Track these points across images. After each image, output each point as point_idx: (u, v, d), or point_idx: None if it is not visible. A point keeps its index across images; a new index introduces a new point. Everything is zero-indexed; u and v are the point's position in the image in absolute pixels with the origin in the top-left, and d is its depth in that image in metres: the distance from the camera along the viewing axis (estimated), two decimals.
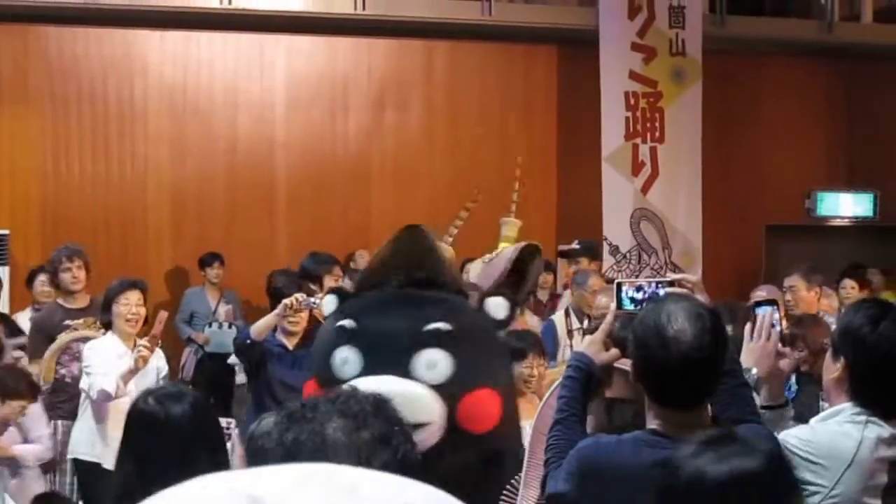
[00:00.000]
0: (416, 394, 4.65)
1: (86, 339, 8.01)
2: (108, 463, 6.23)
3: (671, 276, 4.19)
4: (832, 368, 3.87)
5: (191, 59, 13.54)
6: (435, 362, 4.73)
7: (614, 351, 3.88)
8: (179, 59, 13.51)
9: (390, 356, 4.77)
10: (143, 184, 13.23)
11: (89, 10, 12.79)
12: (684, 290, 3.90)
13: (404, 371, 4.72)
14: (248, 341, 7.80)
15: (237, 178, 13.46)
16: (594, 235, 13.64)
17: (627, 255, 13.76)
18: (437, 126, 14.17)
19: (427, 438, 4.67)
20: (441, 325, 4.80)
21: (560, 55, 14.50)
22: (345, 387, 2.33)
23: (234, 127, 13.56)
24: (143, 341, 7.37)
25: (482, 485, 4.70)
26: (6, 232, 12.31)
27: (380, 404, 2.19)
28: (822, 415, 3.97)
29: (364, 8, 13.36)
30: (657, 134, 13.88)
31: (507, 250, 7.95)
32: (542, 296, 12.80)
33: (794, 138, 15.00)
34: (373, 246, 12.81)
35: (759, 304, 4.47)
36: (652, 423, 3.49)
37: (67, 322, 8.55)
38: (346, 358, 4.81)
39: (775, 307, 4.37)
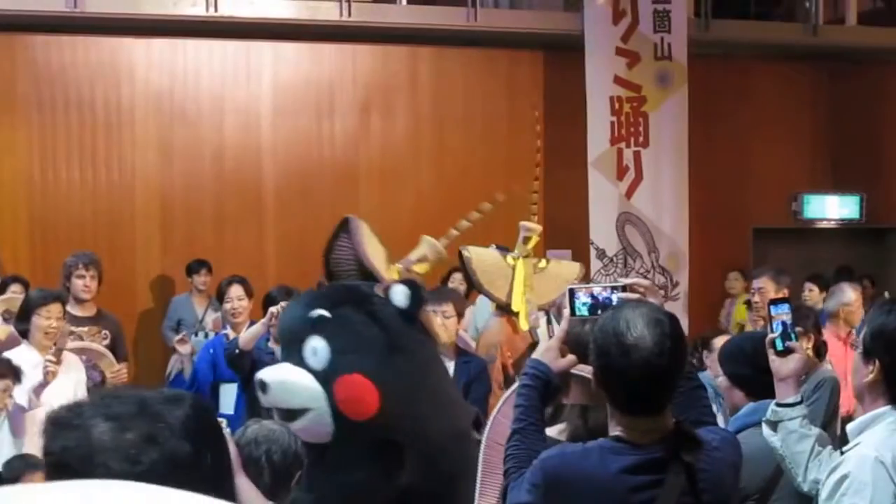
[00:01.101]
0: (290, 381, 4.81)
1: (86, 350, 7.97)
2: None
3: (623, 280, 4.14)
4: (864, 372, 3.78)
5: (177, 67, 13.53)
6: (316, 349, 4.85)
7: (571, 357, 3.85)
8: (166, 67, 13.50)
9: (290, 345, 5.05)
10: (130, 191, 13.22)
11: (75, 19, 12.75)
12: (636, 295, 3.87)
13: (298, 359, 4.84)
14: (237, 351, 7.79)
15: (224, 184, 13.46)
16: (581, 240, 13.68)
17: (614, 258, 13.79)
18: (422, 132, 14.18)
19: (310, 426, 4.76)
20: (321, 311, 4.90)
21: (545, 60, 14.52)
22: None
23: (220, 133, 13.56)
24: (49, 355, 7.33)
25: (378, 476, 4.77)
26: None
27: (143, 403, 2.24)
28: (859, 421, 3.86)
29: (349, 15, 13.38)
30: (641, 138, 13.92)
31: (570, 273, 8.08)
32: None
33: (780, 141, 15.03)
34: None
35: (773, 302, 4.51)
36: (615, 430, 3.46)
37: (73, 329, 8.52)
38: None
39: (790, 305, 4.43)
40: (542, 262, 8.63)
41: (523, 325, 8.30)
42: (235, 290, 9.18)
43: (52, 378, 7.23)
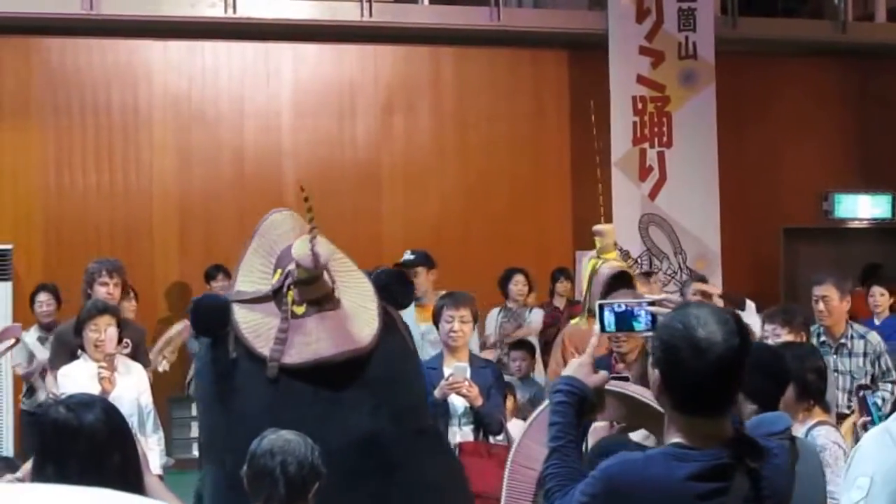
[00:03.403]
0: None
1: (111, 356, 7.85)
2: None
3: (651, 297, 4.09)
4: None
5: (195, 69, 13.41)
6: None
7: (603, 373, 3.77)
8: (184, 69, 13.39)
9: None
10: (148, 195, 13.10)
11: (91, 21, 12.66)
12: (666, 310, 3.76)
13: None
14: None
15: (244, 188, 13.32)
16: None
17: (639, 260, 13.63)
18: (445, 133, 14.04)
19: None
20: None
21: (570, 60, 14.36)
22: None
23: (240, 136, 13.44)
24: (101, 363, 7.33)
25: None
26: (9, 247, 12.11)
27: None
28: None
29: (370, 15, 13.28)
30: (665, 138, 13.80)
31: (603, 268, 7.91)
32: (559, 303, 12.66)
33: (810, 139, 14.83)
34: (385, 253, 12.69)
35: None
36: (675, 437, 3.35)
37: None
38: None
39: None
40: (611, 253, 8.46)
41: (584, 323, 8.14)
42: None
43: (109, 385, 7.19)
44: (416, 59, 14.09)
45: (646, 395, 3.75)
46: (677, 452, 3.30)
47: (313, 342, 4.92)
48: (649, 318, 3.85)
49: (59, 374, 7.75)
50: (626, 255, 13.57)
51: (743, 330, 3.34)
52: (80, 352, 7.72)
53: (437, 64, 14.13)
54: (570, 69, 14.36)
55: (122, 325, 7.81)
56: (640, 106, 13.76)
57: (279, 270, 5.16)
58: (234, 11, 12.93)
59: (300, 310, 5.00)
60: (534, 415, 4.11)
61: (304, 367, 4.89)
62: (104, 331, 7.56)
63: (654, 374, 3.38)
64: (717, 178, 13.71)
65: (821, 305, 8.55)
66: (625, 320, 3.89)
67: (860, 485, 3.48)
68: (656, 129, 13.79)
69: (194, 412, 11.97)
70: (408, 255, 10.18)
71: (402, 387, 5.13)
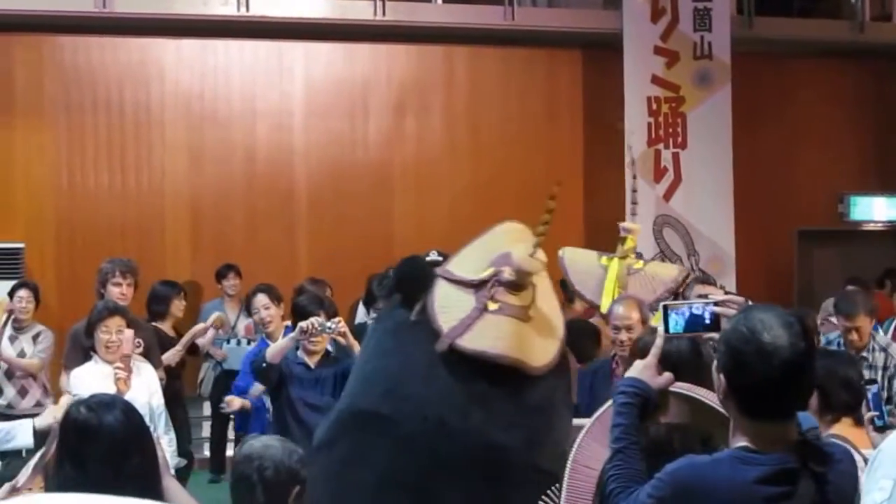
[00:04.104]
0: None
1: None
2: None
3: (716, 297, 4.18)
4: None
5: (208, 67, 13.38)
6: None
7: (668, 375, 3.80)
8: (196, 67, 13.35)
9: None
10: (160, 194, 13.06)
11: (104, 19, 12.62)
12: (732, 311, 3.76)
13: None
14: (265, 365, 7.58)
15: (256, 187, 13.30)
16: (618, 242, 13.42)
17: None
18: (458, 133, 13.99)
19: None
20: None
21: (584, 60, 14.30)
22: None
23: (252, 135, 13.40)
24: (117, 364, 7.32)
25: None
26: (21, 245, 12.13)
27: None
28: None
29: (383, 14, 13.23)
30: (680, 139, 13.73)
31: (667, 275, 7.81)
32: (579, 305, 12.57)
33: (826, 141, 14.76)
34: (396, 252, 12.62)
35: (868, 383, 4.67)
36: (741, 441, 3.34)
37: None
38: None
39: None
40: (639, 263, 8.33)
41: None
42: (261, 300, 9.12)
43: (125, 386, 7.21)
44: (430, 58, 14.03)
45: (711, 397, 3.71)
46: (744, 456, 3.29)
47: (491, 338, 4.92)
48: (712, 318, 3.87)
49: (71, 375, 7.71)
50: (639, 256, 13.47)
51: (808, 333, 3.33)
52: (92, 353, 7.68)
53: (450, 63, 14.07)
54: (584, 69, 14.31)
55: (132, 326, 7.78)
56: (654, 106, 13.69)
57: (492, 269, 5.13)
58: (247, 10, 12.89)
59: (494, 306, 5.00)
60: (596, 414, 4.06)
61: (472, 356, 4.87)
62: (114, 332, 7.53)
63: (719, 378, 3.38)
64: (732, 179, 13.63)
65: (854, 336, 8.43)
66: (686, 322, 3.92)
67: (882, 486, 3.48)
68: (671, 130, 13.73)
69: (207, 412, 11.94)
70: (434, 255, 9.87)
71: (546, 423, 5.08)
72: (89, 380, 7.42)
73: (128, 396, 7.05)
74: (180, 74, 13.29)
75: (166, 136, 13.18)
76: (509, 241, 5.20)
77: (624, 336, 7.01)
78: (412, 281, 5.12)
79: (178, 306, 10.00)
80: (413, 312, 5.01)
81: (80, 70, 13.02)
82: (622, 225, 8.51)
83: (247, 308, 9.67)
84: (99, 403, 3.79)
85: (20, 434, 6.31)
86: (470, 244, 5.33)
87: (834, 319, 8.89)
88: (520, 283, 4.96)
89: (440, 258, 9.33)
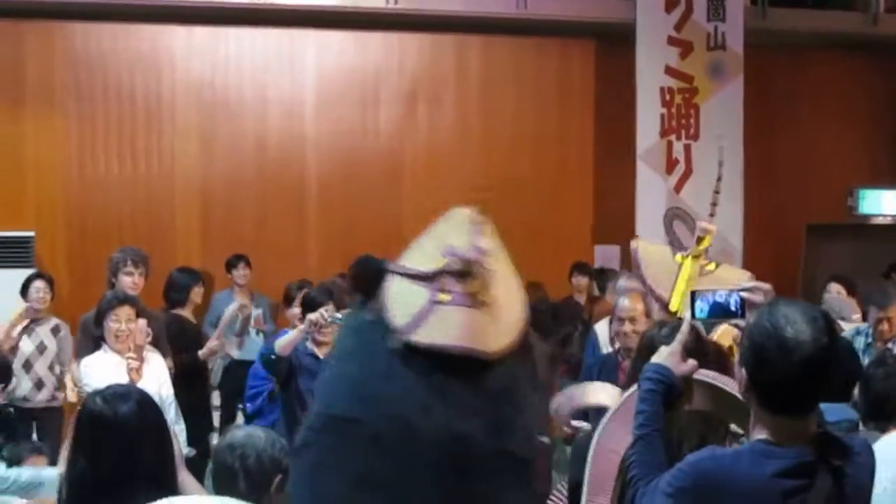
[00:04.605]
0: None
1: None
2: None
3: (744, 284, 4.16)
4: None
5: (219, 55, 13.35)
6: None
7: (692, 362, 3.79)
8: (207, 55, 13.33)
9: None
10: (170, 183, 13.05)
11: (115, 6, 12.63)
12: (759, 298, 3.89)
13: None
14: (273, 356, 7.59)
15: (266, 176, 13.29)
16: (628, 235, 13.40)
17: None
18: (470, 123, 13.96)
19: None
20: None
21: (597, 50, 14.26)
22: None
23: (263, 124, 13.39)
24: (130, 354, 7.33)
25: None
26: (31, 233, 12.11)
27: None
28: None
29: (395, 2, 13.18)
30: (692, 131, 13.66)
31: (736, 280, 7.77)
32: (580, 298, 12.57)
33: (836, 134, 14.70)
34: (406, 242, 12.59)
35: None
36: (761, 434, 3.38)
37: None
38: None
39: None
40: (711, 265, 8.26)
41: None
42: None
43: (137, 376, 7.22)
44: (442, 47, 13.99)
45: (735, 386, 3.69)
46: (764, 449, 3.32)
47: (444, 329, 4.92)
48: (738, 306, 3.95)
49: (80, 364, 7.73)
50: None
51: (832, 329, 3.34)
52: (101, 342, 7.68)
53: (462, 52, 14.03)
54: (597, 59, 14.27)
55: (142, 315, 7.78)
56: (667, 97, 13.62)
57: (443, 259, 5.12)
58: None
59: (446, 297, 5.00)
60: (622, 398, 4.05)
61: (426, 350, 4.88)
62: (124, 321, 7.53)
63: (741, 372, 3.41)
64: (742, 171, 13.58)
65: (884, 326, 8.39)
66: (712, 308, 3.98)
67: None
68: (683, 122, 13.67)
69: (216, 401, 11.94)
70: None
71: (510, 407, 5.07)
72: (99, 369, 7.44)
73: (138, 386, 7.11)
74: (191, 62, 13.27)
75: (177, 125, 13.16)
76: (458, 229, 5.21)
77: (628, 328, 7.08)
78: (367, 280, 5.12)
79: (197, 293, 10.06)
80: (370, 311, 5.03)
81: (91, 57, 13.00)
82: (700, 224, 8.40)
83: (286, 300, 9.48)
84: (114, 395, 3.80)
85: (45, 490, 6.30)
86: (423, 235, 5.34)
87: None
88: (467, 271, 4.96)
89: None
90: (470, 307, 5.02)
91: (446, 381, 4.95)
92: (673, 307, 7.99)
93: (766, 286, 4.09)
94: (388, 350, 4.93)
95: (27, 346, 9.87)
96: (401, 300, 5.05)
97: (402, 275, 5.12)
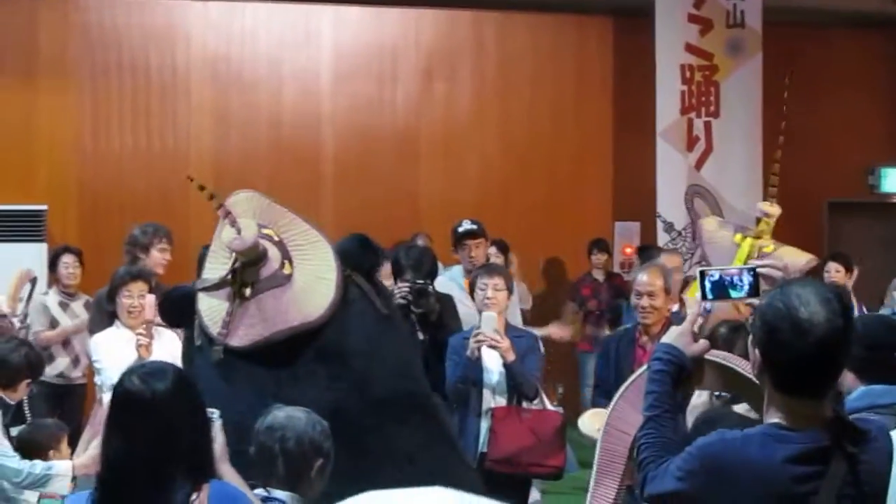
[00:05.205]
0: None
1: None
2: None
3: (754, 262, 4.22)
4: None
5: (234, 30, 13.30)
6: None
7: (704, 342, 3.74)
8: (223, 30, 13.28)
9: None
10: (185, 157, 12.98)
11: None
12: (778, 274, 3.86)
13: None
14: None
15: (281, 152, 13.23)
16: (648, 212, 13.36)
17: (682, 232, 13.44)
18: (487, 99, 13.90)
19: None
20: None
21: (615, 27, 14.18)
22: None
23: (278, 99, 13.34)
24: (140, 330, 7.26)
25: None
26: (44, 207, 12.09)
27: None
28: None
29: None
30: (712, 108, 13.63)
31: (796, 261, 7.71)
32: (598, 275, 12.51)
33: (857, 112, 14.61)
34: (422, 218, 12.52)
35: None
36: (774, 417, 3.30)
37: None
38: None
39: None
40: (770, 246, 8.19)
41: (739, 310, 7.94)
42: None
43: (146, 353, 7.15)
44: (459, 23, 13.92)
45: (747, 367, 3.64)
46: (776, 433, 3.25)
47: (256, 323, 4.94)
48: (750, 285, 3.85)
49: (91, 340, 7.72)
50: (669, 226, 13.39)
51: (847, 310, 3.27)
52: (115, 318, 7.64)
53: (479, 29, 13.96)
54: (615, 36, 14.18)
55: (154, 291, 7.72)
56: (687, 74, 13.56)
57: (232, 255, 5.14)
58: None
59: (248, 291, 5.00)
60: (631, 378, 4.05)
61: (251, 349, 4.87)
62: (137, 297, 7.50)
63: (754, 353, 3.33)
64: (761, 149, 13.50)
65: None
66: (722, 287, 3.88)
67: None
68: (703, 99, 13.63)
69: None
70: (468, 225, 9.46)
71: (365, 355, 5.06)
72: (110, 345, 7.43)
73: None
74: (206, 37, 13.21)
75: (192, 100, 13.12)
76: (245, 217, 5.20)
77: (646, 302, 7.07)
78: (175, 311, 5.26)
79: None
80: (195, 338, 5.03)
81: (105, 32, 12.94)
82: (759, 206, 8.35)
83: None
84: (151, 372, 3.69)
85: (58, 482, 6.24)
86: (216, 235, 5.36)
87: None
88: (251, 257, 4.95)
89: (474, 226, 9.16)
90: (275, 287, 5.01)
91: (291, 367, 4.92)
92: None
93: (780, 264, 4.05)
94: (213, 367, 4.92)
95: (64, 322, 9.82)
96: (210, 313, 5.05)
97: (205, 289, 5.12)
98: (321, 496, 4.28)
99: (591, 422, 6.67)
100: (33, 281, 9.54)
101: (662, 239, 13.29)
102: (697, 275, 3.94)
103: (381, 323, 5.27)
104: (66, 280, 10.00)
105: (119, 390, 3.68)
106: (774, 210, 8.11)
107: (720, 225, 8.68)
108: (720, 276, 3.88)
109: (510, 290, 7.56)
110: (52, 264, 10.08)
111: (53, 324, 9.74)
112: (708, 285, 3.87)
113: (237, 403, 4.58)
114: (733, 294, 3.88)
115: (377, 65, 13.61)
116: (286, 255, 5.09)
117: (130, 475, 3.56)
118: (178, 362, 7.57)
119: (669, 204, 13.51)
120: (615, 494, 3.94)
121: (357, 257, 5.29)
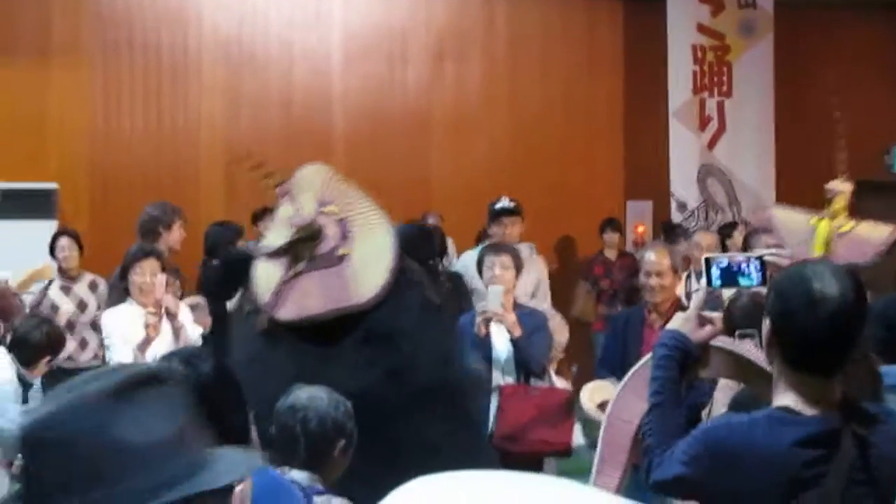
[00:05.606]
0: None
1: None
2: None
3: (761, 251, 4.15)
4: None
5: (246, 10, 13.30)
6: None
7: (710, 328, 3.69)
8: (234, 10, 13.27)
9: None
10: (195, 138, 13.00)
11: None
12: (785, 262, 3.81)
13: None
14: None
15: (292, 132, 13.19)
16: (661, 190, 13.35)
17: (695, 211, 13.43)
18: (498, 79, 13.86)
19: None
20: None
21: (625, 7, 14.17)
22: None
23: (289, 79, 13.32)
24: (149, 308, 7.26)
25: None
26: (55, 186, 12.07)
27: None
28: None
29: None
30: (724, 88, 13.63)
31: (878, 236, 7.65)
32: (610, 254, 12.51)
33: (871, 91, 14.51)
34: (433, 199, 12.51)
35: None
36: (783, 398, 3.27)
37: None
38: None
39: None
40: (847, 225, 8.11)
41: None
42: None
43: (154, 332, 7.17)
44: (469, 4, 13.92)
45: (753, 352, 3.68)
46: (784, 417, 3.23)
47: (305, 298, 4.95)
48: (759, 273, 3.82)
49: (103, 316, 7.77)
50: (682, 205, 13.39)
51: (861, 289, 3.25)
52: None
53: (490, 9, 13.95)
54: (626, 17, 14.14)
55: (166, 271, 7.74)
56: (699, 55, 13.55)
57: (293, 229, 5.14)
58: None
59: (301, 265, 5.01)
60: (635, 367, 4.00)
61: (298, 324, 4.87)
62: (149, 274, 7.49)
63: (765, 324, 3.31)
64: (773, 129, 13.47)
65: None
66: (731, 275, 3.86)
67: None
68: (716, 79, 13.64)
69: None
70: (506, 202, 9.53)
71: (406, 343, 5.05)
72: (119, 322, 7.45)
73: (156, 342, 7.12)
74: (218, 17, 13.20)
75: (203, 80, 13.11)
76: (301, 194, 5.21)
77: (654, 281, 7.06)
78: (232, 274, 5.20)
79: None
80: (245, 304, 5.03)
81: (117, 12, 12.94)
82: (830, 185, 8.28)
83: None
84: (193, 355, 3.57)
85: None
86: (281, 204, 5.39)
87: None
88: (308, 233, 4.95)
89: (511, 204, 9.20)
90: (329, 266, 5.01)
91: (330, 346, 4.92)
92: None
93: (786, 252, 4.06)
94: (256, 335, 4.91)
95: (67, 305, 9.75)
96: (263, 280, 5.05)
97: (263, 256, 5.12)
98: (343, 477, 4.27)
99: (591, 396, 6.68)
100: (50, 281, 9.58)
101: (675, 218, 13.31)
102: (703, 262, 3.93)
103: (430, 311, 5.28)
104: (63, 263, 9.93)
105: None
106: (846, 186, 8.04)
107: (791, 210, 8.59)
108: (728, 263, 3.87)
109: (518, 270, 7.57)
110: (52, 249, 10.01)
111: (54, 309, 9.70)
112: (715, 272, 3.86)
113: (277, 377, 4.57)
114: (742, 281, 3.87)
115: (387, 45, 13.59)
116: (345, 235, 5.10)
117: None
118: (186, 331, 7.61)
119: (682, 183, 13.54)
120: (618, 483, 3.91)
121: (415, 245, 5.31)
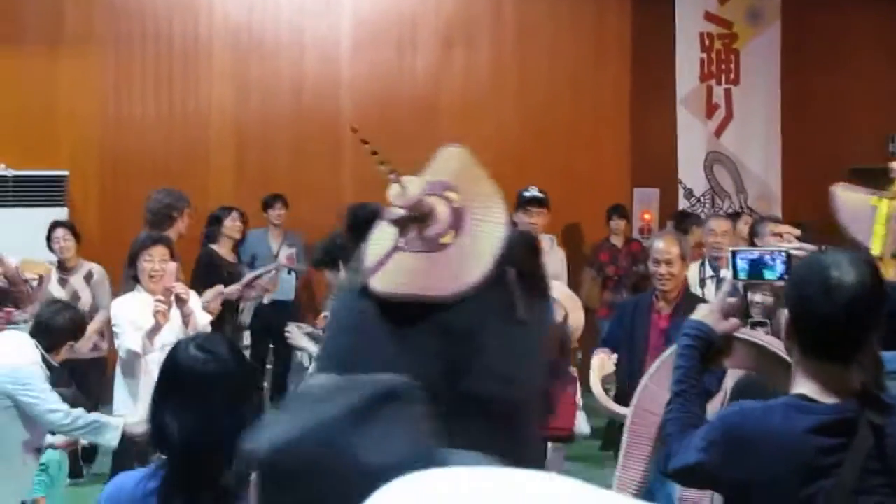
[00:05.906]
0: None
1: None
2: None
3: (786, 245, 4.11)
4: None
5: None
6: None
7: (734, 320, 3.71)
8: None
9: None
10: (205, 125, 13.03)
11: None
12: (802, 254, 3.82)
13: None
14: None
15: (302, 118, 13.23)
16: (668, 178, 13.37)
17: (702, 198, 13.47)
18: (506, 67, 13.87)
19: None
20: None
21: None
22: None
23: (299, 66, 13.35)
24: (159, 296, 7.25)
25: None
26: (65, 173, 12.14)
27: None
28: None
29: None
30: (732, 76, 13.63)
31: None
32: (617, 241, 12.54)
33: (877, 78, 14.55)
34: None
35: None
36: (801, 387, 3.30)
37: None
38: None
39: None
40: None
41: (886, 271, 7.84)
42: None
43: (164, 319, 7.19)
44: None
45: (775, 344, 3.72)
46: (800, 404, 3.25)
47: (397, 275, 4.95)
48: (784, 266, 3.86)
49: (112, 304, 7.78)
50: (689, 192, 13.42)
51: (878, 277, 3.30)
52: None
53: None
54: (634, 3, 14.14)
55: (174, 258, 7.79)
56: (707, 42, 13.57)
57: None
58: None
59: (402, 241, 5.06)
60: (661, 358, 4.10)
61: (385, 298, 4.92)
62: (157, 261, 7.52)
63: (784, 313, 3.37)
64: (780, 117, 13.50)
65: None
66: (755, 267, 3.90)
67: None
68: (723, 67, 13.65)
69: (246, 341, 11.96)
70: (535, 192, 9.58)
71: (473, 346, 5.04)
72: (128, 309, 7.48)
73: (168, 327, 7.17)
74: (228, 5, 13.23)
75: (213, 67, 13.14)
76: (445, 167, 5.24)
77: (663, 269, 7.08)
78: (361, 224, 5.22)
79: (231, 228, 10.60)
80: (358, 263, 5.06)
81: (128, 0, 12.97)
82: (892, 165, 8.25)
83: None
84: (210, 342, 3.57)
85: (109, 432, 6.35)
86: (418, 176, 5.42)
87: None
88: (412, 215, 5.00)
89: (540, 195, 9.25)
90: (425, 252, 5.04)
91: (409, 330, 4.96)
92: (875, 251, 7.80)
93: (811, 247, 4.02)
94: (358, 303, 4.96)
95: (61, 297, 9.80)
96: (375, 243, 5.08)
97: (386, 219, 5.18)
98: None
99: (596, 372, 6.77)
100: (44, 278, 9.59)
101: (682, 205, 13.34)
102: (729, 254, 3.98)
103: (513, 325, 5.28)
104: (59, 254, 9.97)
105: (178, 365, 3.53)
106: None
107: (853, 189, 8.56)
108: (753, 257, 3.92)
109: None
110: (48, 240, 10.03)
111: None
112: (740, 264, 3.91)
113: (355, 345, 4.59)
114: (767, 275, 3.91)
115: (397, 32, 13.61)
116: (458, 224, 5.07)
117: (199, 451, 3.39)
118: (194, 315, 7.62)
119: (689, 170, 13.57)
120: (641, 476, 3.96)
121: (520, 255, 5.30)
